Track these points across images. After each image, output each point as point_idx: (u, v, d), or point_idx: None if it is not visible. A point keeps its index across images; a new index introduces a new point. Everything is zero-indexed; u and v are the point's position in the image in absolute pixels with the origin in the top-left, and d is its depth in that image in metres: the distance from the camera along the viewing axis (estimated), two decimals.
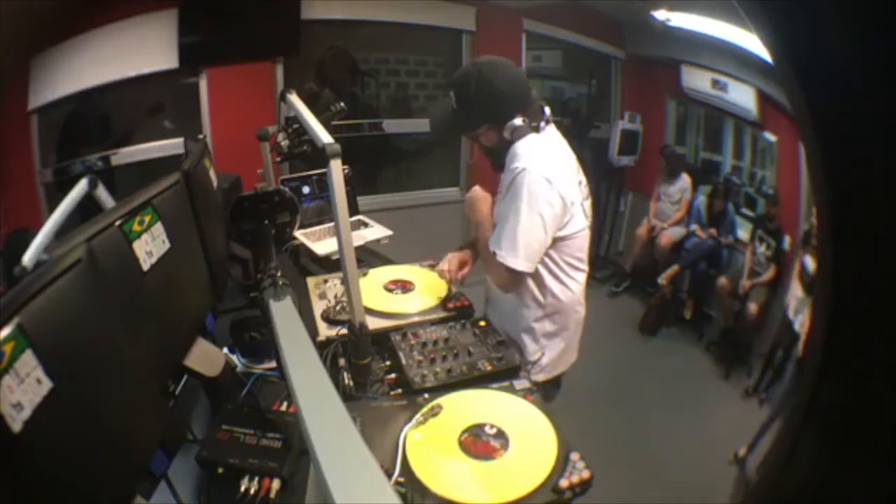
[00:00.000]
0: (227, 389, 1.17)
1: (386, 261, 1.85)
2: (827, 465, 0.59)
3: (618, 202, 4.14)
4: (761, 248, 3.12)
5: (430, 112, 1.45)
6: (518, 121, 1.31)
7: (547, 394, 1.46)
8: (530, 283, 1.38)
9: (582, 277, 1.43)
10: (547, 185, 1.26)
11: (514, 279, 1.33)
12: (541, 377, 1.42)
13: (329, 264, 1.82)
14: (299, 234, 1.92)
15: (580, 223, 1.35)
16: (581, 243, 1.38)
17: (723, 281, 3.26)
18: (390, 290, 1.52)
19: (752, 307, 3.03)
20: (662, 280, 3.47)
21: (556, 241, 1.33)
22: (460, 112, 1.34)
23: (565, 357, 1.50)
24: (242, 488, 0.89)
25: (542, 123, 1.35)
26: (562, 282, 1.38)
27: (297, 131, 1.59)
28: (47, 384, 0.57)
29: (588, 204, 1.42)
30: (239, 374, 1.25)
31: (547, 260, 1.35)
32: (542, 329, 1.43)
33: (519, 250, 1.27)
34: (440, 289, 1.50)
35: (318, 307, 1.43)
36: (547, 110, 1.37)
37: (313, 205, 2.09)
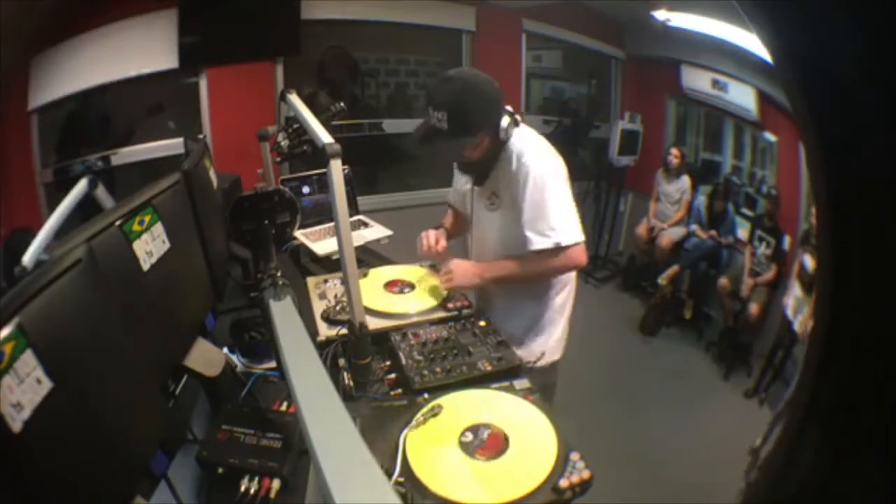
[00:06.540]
0: (227, 389, 1.17)
1: (386, 261, 1.85)
2: (827, 465, 0.59)
3: (618, 202, 4.14)
4: (761, 248, 3.12)
5: (416, 147, 1.37)
6: (506, 119, 1.34)
7: (549, 378, 1.54)
8: None
9: None
10: (559, 161, 1.36)
11: (579, 254, 1.35)
12: (556, 356, 1.53)
13: (329, 264, 1.82)
14: (299, 234, 1.92)
15: None
16: None
17: (723, 281, 3.26)
18: (390, 290, 1.52)
19: (753, 307, 3.03)
20: (662, 280, 3.46)
21: None
22: (455, 129, 1.29)
23: (565, 336, 1.58)
24: (242, 488, 0.89)
25: (517, 116, 1.38)
26: None
27: (297, 131, 1.59)
28: (47, 384, 0.57)
29: None
30: (239, 374, 1.25)
31: None
32: (559, 302, 1.52)
33: (573, 224, 1.33)
34: (440, 289, 1.50)
35: (318, 307, 1.43)
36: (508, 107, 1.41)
37: (313, 205, 2.09)
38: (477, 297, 1.60)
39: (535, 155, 1.33)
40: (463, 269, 1.43)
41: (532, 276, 1.41)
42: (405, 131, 3.45)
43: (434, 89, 1.33)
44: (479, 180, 1.47)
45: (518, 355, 1.24)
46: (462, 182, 1.59)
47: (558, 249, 1.31)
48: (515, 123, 1.36)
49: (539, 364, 1.46)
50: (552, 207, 1.31)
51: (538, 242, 1.32)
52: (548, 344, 1.51)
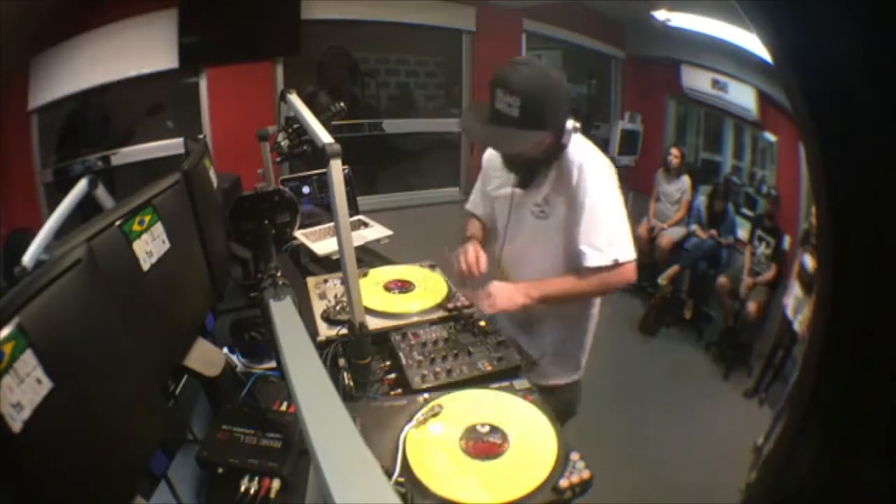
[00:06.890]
0: (227, 389, 1.17)
1: (386, 261, 1.85)
2: (827, 465, 0.59)
3: None
4: (761, 248, 3.12)
5: (474, 129, 1.29)
6: (570, 123, 1.27)
7: (574, 395, 1.56)
8: None
9: None
10: (616, 175, 1.30)
11: (631, 272, 1.27)
12: (579, 374, 1.53)
13: (329, 264, 1.82)
14: (299, 234, 1.92)
15: None
16: None
17: (722, 280, 3.26)
18: (390, 290, 1.52)
19: (752, 306, 3.04)
20: (662, 280, 3.46)
21: None
22: (527, 118, 1.18)
23: None
24: (242, 488, 0.89)
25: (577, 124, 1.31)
26: None
27: (297, 131, 1.59)
28: (47, 384, 0.57)
29: None
30: (239, 374, 1.25)
31: None
32: (593, 316, 1.51)
33: (629, 240, 1.26)
34: (440, 289, 1.50)
35: (318, 307, 1.43)
36: None
37: (313, 205, 2.09)
38: (511, 318, 1.49)
39: (596, 167, 1.26)
40: (506, 291, 1.30)
41: (585, 293, 1.33)
42: (405, 131, 3.48)
43: (507, 72, 1.19)
44: (524, 182, 1.35)
45: (517, 357, 1.23)
46: (497, 183, 1.46)
47: (614, 266, 1.24)
48: (575, 130, 1.29)
49: (558, 380, 1.48)
50: (611, 222, 1.25)
51: (595, 258, 1.24)
52: (582, 361, 1.52)
